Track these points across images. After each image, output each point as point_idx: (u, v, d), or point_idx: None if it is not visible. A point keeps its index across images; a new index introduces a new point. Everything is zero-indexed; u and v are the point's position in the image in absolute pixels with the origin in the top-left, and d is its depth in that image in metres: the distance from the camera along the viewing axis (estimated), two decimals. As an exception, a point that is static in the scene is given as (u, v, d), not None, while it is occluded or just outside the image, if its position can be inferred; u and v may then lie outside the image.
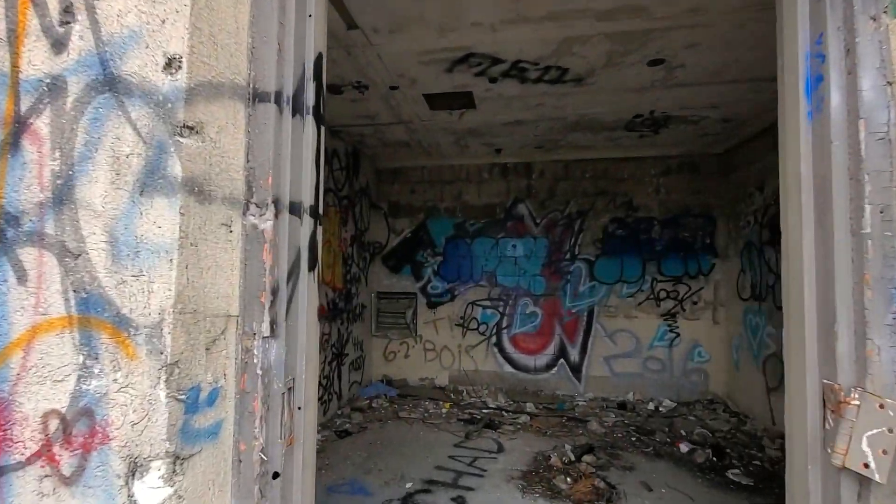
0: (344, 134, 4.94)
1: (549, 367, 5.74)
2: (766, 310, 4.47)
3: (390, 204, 6.19)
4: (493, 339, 5.89)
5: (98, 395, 0.96)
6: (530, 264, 5.82)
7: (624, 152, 5.60)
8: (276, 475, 1.15)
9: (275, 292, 1.17)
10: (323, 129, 1.46)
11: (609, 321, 5.64)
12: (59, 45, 1.03)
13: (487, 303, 5.91)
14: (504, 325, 5.87)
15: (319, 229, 1.39)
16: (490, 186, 5.97)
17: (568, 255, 5.74)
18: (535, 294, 5.80)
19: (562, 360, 5.72)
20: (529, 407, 5.03)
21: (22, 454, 0.98)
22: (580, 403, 5.30)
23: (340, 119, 4.44)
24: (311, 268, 1.31)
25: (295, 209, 1.25)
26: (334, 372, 4.92)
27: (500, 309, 5.88)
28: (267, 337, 1.15)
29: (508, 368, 5.83)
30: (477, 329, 5.93)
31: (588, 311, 5.69)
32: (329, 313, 4.76)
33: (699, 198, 5.54)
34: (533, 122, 4.53)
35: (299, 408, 1.25)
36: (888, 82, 0.97)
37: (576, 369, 5.69)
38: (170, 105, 0.99)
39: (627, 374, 5.59)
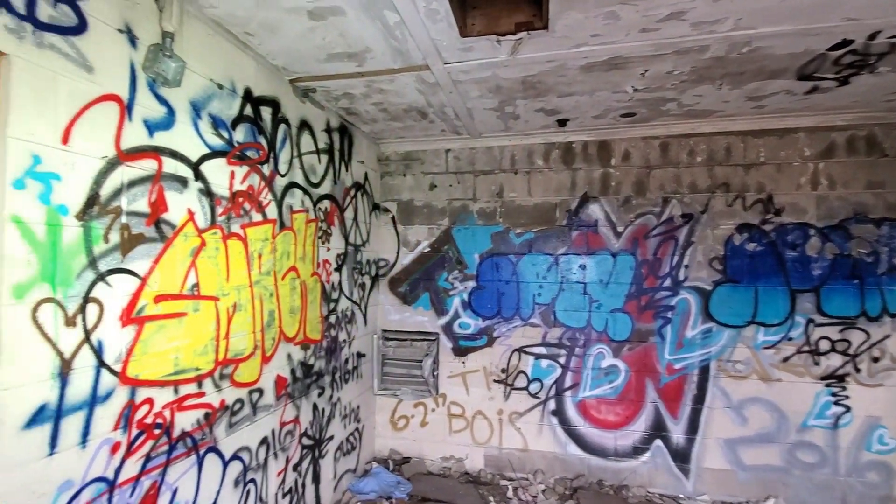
0: (320, 96, 3.08)
1: (637, 450, 3.79)
2: None
3: (401, 205, 4.31)
4: (552, 404, 3.96)
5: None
6: (608, 295, 3.86)
7: (761, 121, 3.57)
8: None
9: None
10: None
11: (735, 385, 3.64)
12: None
13: (542, 350, 3.99)
14: (567, 384, 3.94)
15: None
16: (547, 178, 4.02)
17: (668, 282, 3.75)
18: (615, 340, 3.84)
19: (658, 442, 3.75)
20: (620, 536, 3.10)
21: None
22: (696, 520, 3.33)
23: (302, 62, 2.57)
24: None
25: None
26: (306, 474, 3.09)
27: (562, 360, 3.95)
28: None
29: (574, 449, 3.90)
30: (526, 389, 4.01)
31: (701, 369, 3.70)
32: (293, 386, 2.92)
33: (882, 193, 3.47)
34: (640, 62, 2.56)
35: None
36: None
37: (681, 457, 3.71)
38: None
39: (764, 467, 3.58)
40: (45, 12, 1.45)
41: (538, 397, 3.99)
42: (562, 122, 3.67)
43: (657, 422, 3.75)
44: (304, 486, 3.05)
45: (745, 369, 3.62)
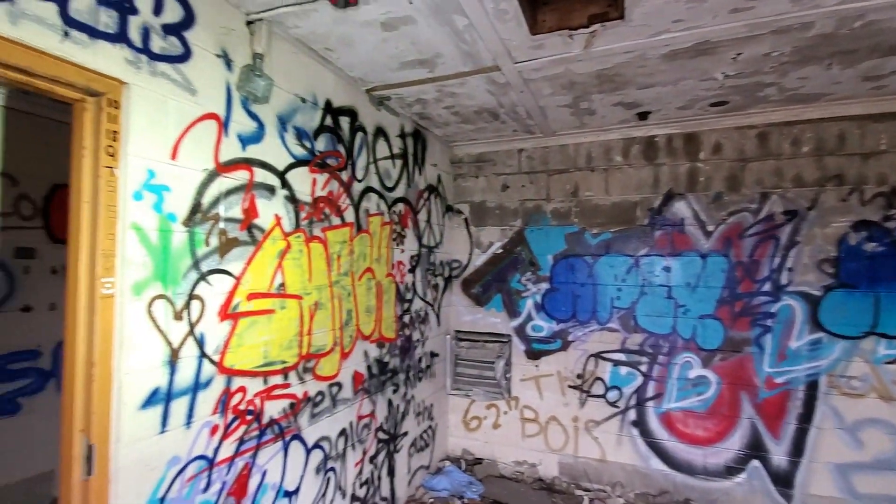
0: (395, 103, 3.19)
1: (731, 470, 3.47)
2: None
3: (473, 207, 4.34)
4: (632, 414, 3.76)
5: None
6: (696, 299, 3.58)
7: (882, 104, 3.11)
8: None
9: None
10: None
11: (849, 403, 3.20)
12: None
13: (621, 357, 3.80)
14: (650, 393, 3.71)
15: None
16: (626, 175, 3.82)
17: (768, 286, 3.40)
18: (705, 348, 3.55)
19: (756, 463, 3.41)
20: (709, 561, 2.86)
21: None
22: (801, 553, 2.98)
23: (377, 71, 2.68)
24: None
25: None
26: (382, 467, 3.21)
27: (644, 368, 3.73)
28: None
29: (657, 464, 3.66)
30: (604, 396, 3.84)
31: (808, 385, 3.30)
32: (369, 382, 3.05)
33: None
34: (732, 46, 2.35)
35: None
36: None
37: (783, 481, 3.34)
38: None
39: (883, 498, 3.11)
40: (157, 44, 1.65)
41: (617, 406, 3.80)
42: (642, 116, 3.48)
43: (754, 440, 3.41)
44: (379, 478, 3.18)
45: (862, 386, 3.17)
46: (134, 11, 1.58)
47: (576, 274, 3.92)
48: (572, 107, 3.23)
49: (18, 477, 3.22)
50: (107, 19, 1.50)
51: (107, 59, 1.49)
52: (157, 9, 1.66)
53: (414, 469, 3.67)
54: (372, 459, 3.08)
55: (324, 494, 2.60)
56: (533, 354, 4.07)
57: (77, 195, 1.49)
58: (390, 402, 3.31)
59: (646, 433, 3.71)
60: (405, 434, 3.53)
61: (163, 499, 1.69)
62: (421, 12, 2.05)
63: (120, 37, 1.53)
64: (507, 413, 4.15)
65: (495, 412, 4.19)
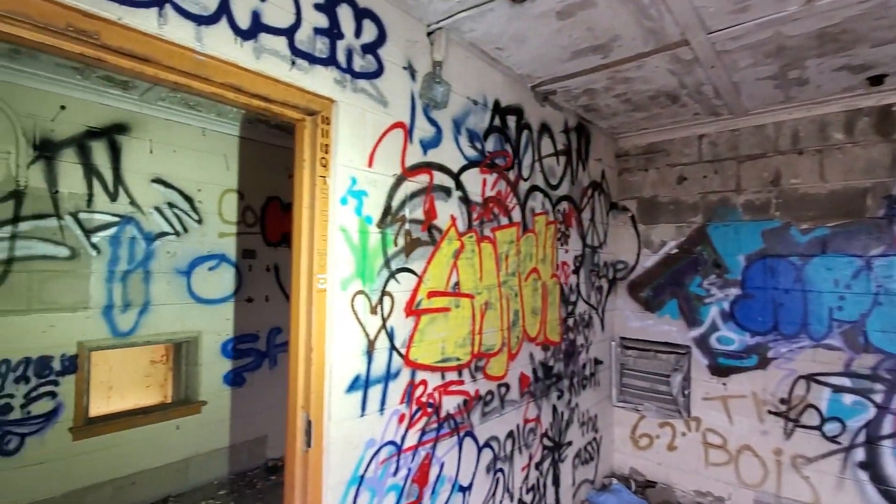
0: (560, 97, 3.07)
1: None
2: None
3: (641, 203, 3.96)
4: (859, 454, 3.00)
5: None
6: (966, 313, 2.71)
7: None
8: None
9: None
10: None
11: None
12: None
13: (845, 382, 3.06)
14: (886, 430, 2.92)
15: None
16: (850, 156, 3.08)
17: None
18: (982, 379, 2.66)
19: None
20: None
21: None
22: None
23: (545, 66, 2.59)
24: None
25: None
26: (547, 475, 3.11)
27: (878, 398, 2.95)
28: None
29: (903, 522, 2.86)
30: (819, 428, 3.15)
31: None
32: (535, 386, 2.97)
33: None
34: None
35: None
36: None
37: None
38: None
39: None
40: (357, 64, 1.82)
41: (838, 442, 3.08)
42: (875, 80, 2.77)
43: None
44: (545, 486, 3.07)
45: None
46: (341, 36, 1.77)
47: (777, 278, 3.29)
48: (777, 77, 2.72)
49: (243, 438, 3.93)
50: (321, 45, 1.70)
51: (321, 81, 1.69)
52: (358, 31, 1.83)
53: (578, 482, 3.48)
54: (538, 466, 3.00)
55: (493, 494, 2.61)
56: (719, 370, 3.54)
57: (299, 202, 1.72)
58: (555, 409, 3.18)
59: (879, 479, 2.93)
60: (570, 443, 3.37)
61: (362, 476, 1.85)
62: (602, -6, 1.91)
63: (330, 60, 1.72)
64: (686, 435, 3.68)
65: (670, 432, 3.76)
